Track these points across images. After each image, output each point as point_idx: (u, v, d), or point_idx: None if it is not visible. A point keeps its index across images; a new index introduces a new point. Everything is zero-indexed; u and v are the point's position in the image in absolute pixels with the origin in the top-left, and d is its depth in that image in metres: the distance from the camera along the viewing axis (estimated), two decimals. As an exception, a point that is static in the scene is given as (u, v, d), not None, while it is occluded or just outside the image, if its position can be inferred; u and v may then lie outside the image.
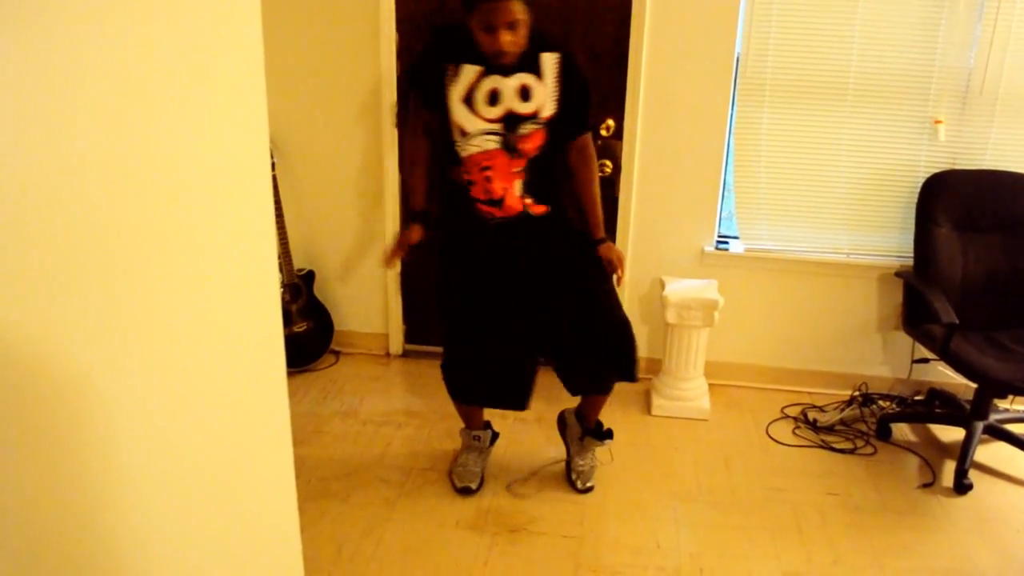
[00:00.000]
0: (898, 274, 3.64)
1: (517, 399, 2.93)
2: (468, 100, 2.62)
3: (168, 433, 1.16)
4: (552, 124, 2.70)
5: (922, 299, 3.34)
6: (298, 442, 3.28)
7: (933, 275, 3.43)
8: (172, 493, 1.19)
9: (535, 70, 2.64)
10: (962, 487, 3.15)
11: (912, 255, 3.55)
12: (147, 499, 1.13)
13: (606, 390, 2.99)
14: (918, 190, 3.53)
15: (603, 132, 3.71)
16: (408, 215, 2.91)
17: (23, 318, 0.88)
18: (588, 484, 3.10)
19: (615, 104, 3.68)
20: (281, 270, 3.84)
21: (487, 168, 2.68)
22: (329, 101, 3.84)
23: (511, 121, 2.65)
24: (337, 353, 4.20)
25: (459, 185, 2.73)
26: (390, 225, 3.96)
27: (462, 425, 3.20)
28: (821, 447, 3.46)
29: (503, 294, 2.84)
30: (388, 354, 4.22)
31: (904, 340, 3.80)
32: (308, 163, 3.96)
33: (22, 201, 0.86)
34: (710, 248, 3.82)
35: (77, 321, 0.95)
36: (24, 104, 0.85)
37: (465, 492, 3.05)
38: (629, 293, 3.93)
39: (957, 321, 3.08)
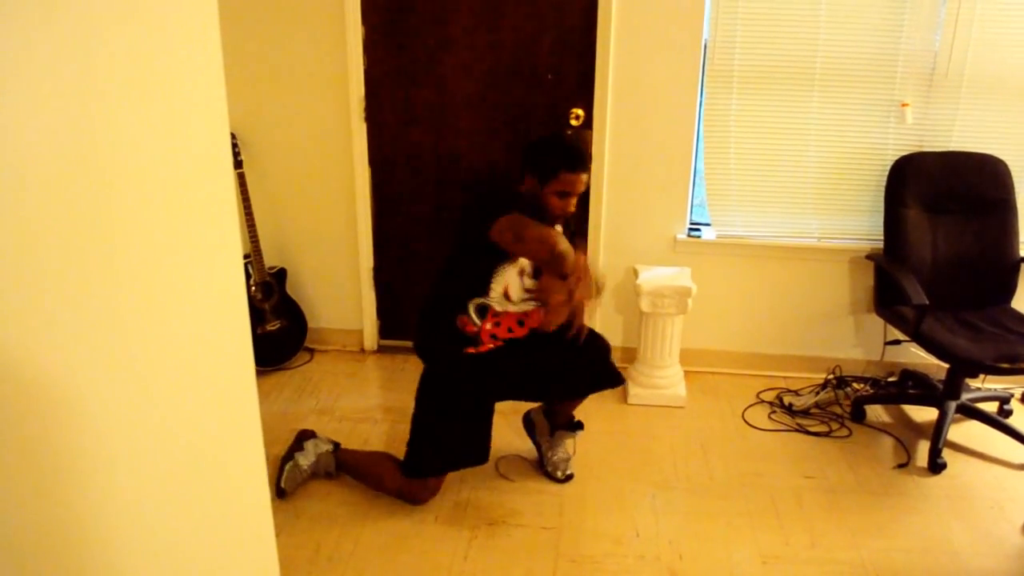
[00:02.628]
0: (869, 257, 3.66)
1: (484, 455, 2.91)
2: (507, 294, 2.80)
3: (137, 434, 1.14)
4: None
5: (893, 281, 3.37)
6: (273, 441, 3.26)
7: (903, 257, 3.46)
8: (143, 495, 1.17)
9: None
10: (936, 466, 3.18)
11: (882, 238, 3.57)
12: (118, 502, 1.11)
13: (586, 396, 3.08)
14: (887, 173, 3.55)
15: (573, 122, 3.70)
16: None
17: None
18: (568, 472, 3.11)
19: (584, 94, 3.67)
20: (252, 268, 3.81)
21: (523, 321, 2.85)
22: (296, 96, 3.80)
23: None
24: (311, 351, 4.18)
25: (459, 336, 2.79)
26: (361, 220, 3.94)
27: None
28: (797, 431, 3.48)
29: (497, 390, 2.89)
30: (363, 350, 4.20)
31: (876, 322, 3.83)
32: (277, 160, 3.92)
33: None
34: (682, 236, 3.82)
35: (44, 321, 0.93)
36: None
37: (282, 495, 2.98)
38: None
39: (928, 302, 3.10)
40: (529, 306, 2.83)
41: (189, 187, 1.21)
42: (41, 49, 0.90)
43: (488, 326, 2.78)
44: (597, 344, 2.96)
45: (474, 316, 2.76)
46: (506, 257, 2.72)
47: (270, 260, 4.01)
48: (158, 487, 1.21)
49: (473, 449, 2.88)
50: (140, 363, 1.13)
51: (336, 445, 3.09)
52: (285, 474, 2.98)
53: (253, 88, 3.79)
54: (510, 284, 2.78)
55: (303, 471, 3.01)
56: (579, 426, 3.14)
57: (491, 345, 2.82)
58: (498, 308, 2.79)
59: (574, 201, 2.73)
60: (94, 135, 1.00)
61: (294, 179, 3.96)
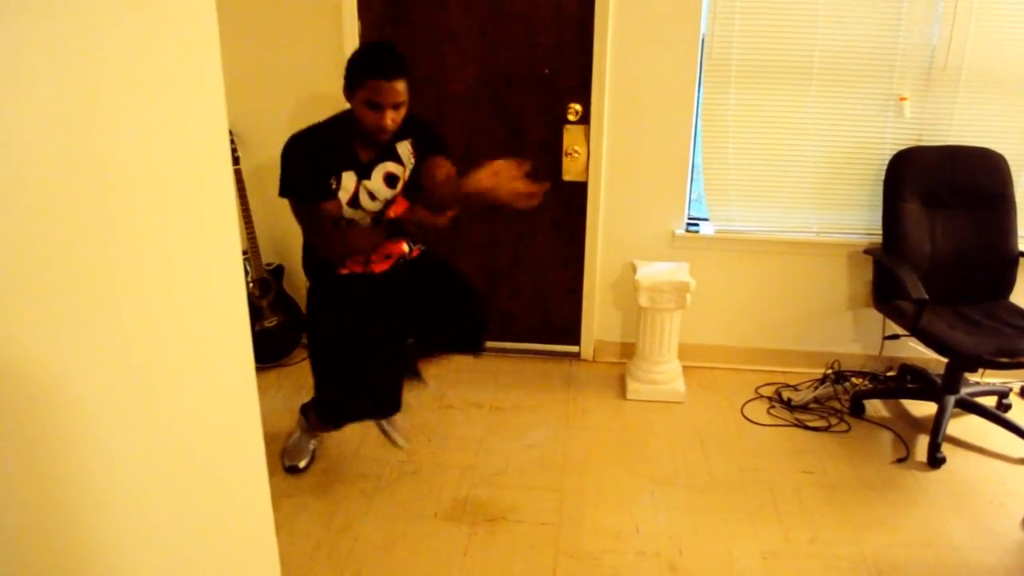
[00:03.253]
0: (867, 251, 3.66)
1: (395, 404, 2.90)
2: (354, 202, 2.76)
3: (137, 431, 1.14)
4: (406, 188, 2.87)
5: (892, 275, 3.37)
6: (272, 437, 3.25)
7: (902, 251, 3.45)
8: (144, 493, 1.16)
9: (395, 157, 2.81)
10: (936, 461, 3.18)
11: (881, 232, 3.57)
12: (118, 499, 1.11)
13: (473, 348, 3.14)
14: (885, 167, 3.54)
15: (571, 117, 3.69)
16: (392, 228, 2.85)
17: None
18: (401, 443, 3.20)
19: (581, 89, 3.66)
20: (250, 265, 3.79)
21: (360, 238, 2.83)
22: (293, 92, 3.78)
23: (386, 206, 2.85)
24: (309, 347, 4.17)
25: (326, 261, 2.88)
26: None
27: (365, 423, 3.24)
28: (796, 426, 3.48)
29: (367, 313, 2.87)
30: (361, 346, 4.19)
31: (875, 317, 3.83)
32: (274, 157, 3.89)
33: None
34: (680, 231, 3.82)
35: (42, 320, 0.93)
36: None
37: (293, 471, 3.10)
38: (601, 278, 3.93)
39: (927, 297, 3.10)
40: (366, 220, 2.82)
41: (188, 184, 1.20)
42: (41, 49, 0.89)
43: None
44: (470, 300, 3.01)
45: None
46: (329, 186, 2.70)
47: (267, 257, 4.00)
48: (158, 485, 1.20)
49: (376, 395, 2.84)
50: (140, 361, 1.13)
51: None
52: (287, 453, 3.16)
53: (250, 85, 3.78)
54: (349, 213, 2.78)
55: (294, 441, 3.18)
56: (419, 376, 3.24)
57: (357, 267, 2.86)
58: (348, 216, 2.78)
59: (389, 115, 2.58)
60: (94, 134, 0.99)
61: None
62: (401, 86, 2.56)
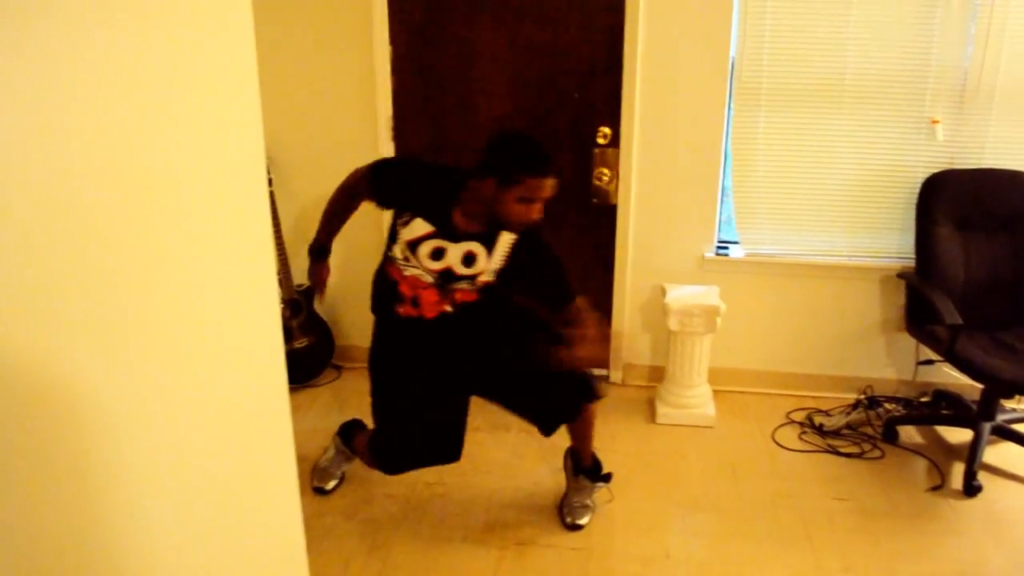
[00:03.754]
0: (900, 275, 3.62)
1: (453, 453, 2.80)
2: (412, 246, 2.69)
3: (172, 448, 1.14)
4: (486, 289, 2.75)
5: (925, 300, 3.33)
6: (302, 458, 3.25)
7: (935, 276, 3.42)
8: (176, 510, 1.17)
9: (487, 242, 2.68)
10: (972, 489, 3.13)
11: (913, 256, 3.53)
12: (150, 516, 1.11)
13: (574, 416, 2.83)
14: (917, 190, 3.51)
15: (600, 140, 3.70)
16: (315, 248, 3.11)
17: (25, 327, 0.87)
18: (577, 521, 2.92)
19: (611, 111, 3.67)
20: (281, 286, 3.82)
21: (419, 289, 2.74)
22: (325, 117, 3.82)
23: (447, 276, 2.70)
24: (339, 368, 4.18)
25: (389, 280, 2.78)
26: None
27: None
28: (828, 452, 3.44)
29: (436, 369, 2.83)
30: (390, 368, 4.20)
31: (908, 342, 3.78)
32: (305, 178, 3.94)
33: (24, 208, 0.84)
34: (710, 254, 3.80)
35: (79, 333, 0.94)
36: (25, 112, 0.83)
37: (320, 492, 3.12)
38: (630, 301, 3.92)
39: (961, 322, 3.06)
40: (427, 279, 2.70)
41: (226, 206, 1.21)
42: (85, 70, 0.91)
43: (405, 288, 2.74)
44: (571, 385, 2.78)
45: (397, 262, 2.73)
46: (402, 213, 2.70)
47: (298, 278, 4.02)
48: (189, 503, 1.21)
49: (433, 443, 2.77)
50: (175, 379, 1.14)
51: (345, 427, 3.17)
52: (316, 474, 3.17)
53: (282, 109, 3.82)
54: (404, 252, 2.71)
55: (326, 462, 3.18)
56: (606, 478, 2.99)
57: (410, 309, 2.76)
58: (399, 263, 2.72)
59: (539, 208, 2.54)
60: (136, 154, 1.00)
61: (323, 198, 3.96)
62: (552, 180, 2.51)
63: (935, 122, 3.54)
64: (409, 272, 2.71)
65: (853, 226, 3.73)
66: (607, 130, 3.69)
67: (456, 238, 2.66)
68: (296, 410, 3.73)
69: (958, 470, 3.28)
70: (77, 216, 0.92)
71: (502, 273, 2.71)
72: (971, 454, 3.18)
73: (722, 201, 3.81)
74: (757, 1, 3.47)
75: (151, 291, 1.06)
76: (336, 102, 3.80)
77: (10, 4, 0.81)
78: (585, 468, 2.99)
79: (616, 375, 4.04)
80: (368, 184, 2.81)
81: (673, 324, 3.54)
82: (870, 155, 3.62)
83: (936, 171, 3.51)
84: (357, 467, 3.28)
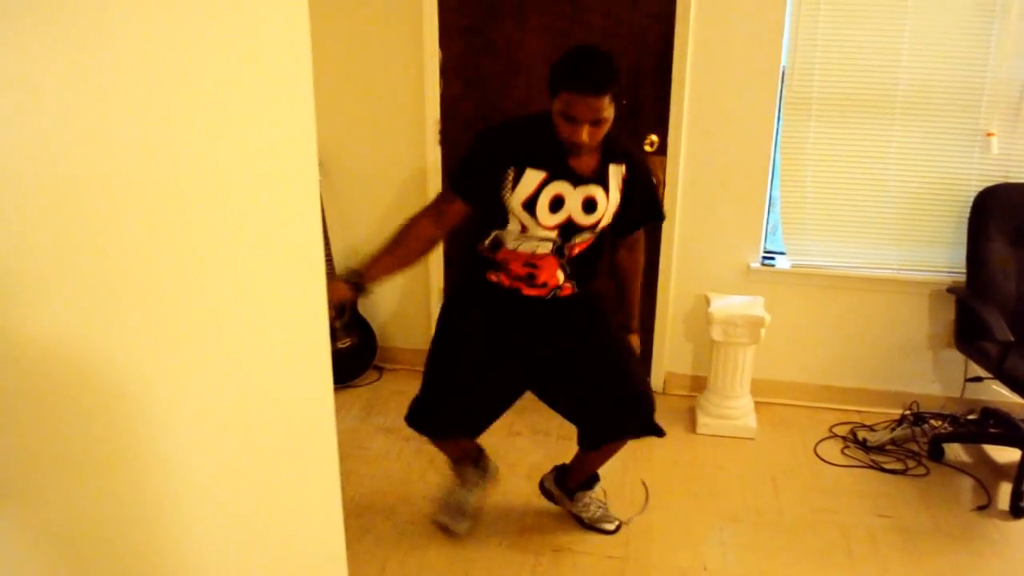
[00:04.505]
0: (950, 290, 3.56)
1: (476, 432, 2.78)
2: (529, 205, 2.43)
3: (215, 448, 1.16)
4: (603, 231, 2.60)
5: (975, 316, 3.27)
6: (341, 458, 3.28)
7: (986, 291, 3.35)
8: (219, 506, 1.19)
9: (604, 183, 2.48)
10: (1019, 510, 3.06)
11: (964, 271, 3.47)
12: (194, 512, 1.13)
13: (623, 438, 2.74)
14: (970, 204, 3.45)
15: (647, 147, 3.69)
16: (350, 272, 2.53)
17: (84, 328, 0.89)
18: (614, 524, 2.93)
19: (659, 119, 3.65)
20: (325, 287, 3.86)
21: (532, 265, 2.55)
22: (372, 120, 3.86)
23: (568, 229, 2.49)
24: (380, 369, 4.21)
25: (485, 259, 2.60)
26: (433, 242, 3.97)
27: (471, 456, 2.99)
28: (871, 467, 3.39)
29: (505, 354, 2.66)
30: (431, 370, 4.22)
31: (956, 358, 3.72)
32: (352, 180, 3.98)
33: (82, 207, 0.87)
34: (756, 264, 3.77)
35: (127, 333, 0.96)
36: (87, 116, 0.86)
37: (451, 533, 2.92)
38: (673, 310, 3.90)
39: (1012, 338, 3.00)
40: (544, 249, 2.51)
41: (278, 208, 1.23)
42: (149, 75, 0.93)
43: (500, 259, 2.57)
44: (641, 397, 2.64)
45: (489, 248, 2.56)
46: (503, 180, 2.43)
47: (343, 279, 4.07)
48: (233, 500, 1.23)
49: (466, 420, 2.71)
50: (224, 378, 1.16)
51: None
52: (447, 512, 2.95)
53: (331, 112, 3.86)
54: (522, 217, 2.47)
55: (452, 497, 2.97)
56: (595, 478, 2.93)
57: (510, 281, 2.58)
58: (509, 245, 2.52)
59: (586, 130, 2.28)
60: (196, 157, 1.03)
61: (368, 200, 4.01)
62: (600, 103, 2.23)
63: (990, 135, 3.47)
64: (522, 248, 2.52)
65: (902, 239, 3.68)
66: (654, 137, 3.68)
67: (574, 180, 2.44)
68: (336, 410, 3.76)
69: (1005, 490, 3.22)
70: (135, 216, 0.94)
71: (618, 212, 2.55)
72: (1019, 474, 3.11)
73: (769, 211, 3.77)
74: (809, 9, 3.43)
75: (204, 290, 1.08)
76: (384, 106, 3.83)
77: (77, 16, 0.83)
78: (580, 483, 2.93)
79: (657, 383, 4.02)
80: (450, 184, 2.50)
81: (716, 334, 3.52)
82: (922, 167, 3.57)
83: (990, 184, 3.45)
84: (394, 469, 3.30)
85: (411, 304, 4.15)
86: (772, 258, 3.83)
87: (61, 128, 0.84)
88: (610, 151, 2.47)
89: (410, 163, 3.90)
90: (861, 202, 3.65)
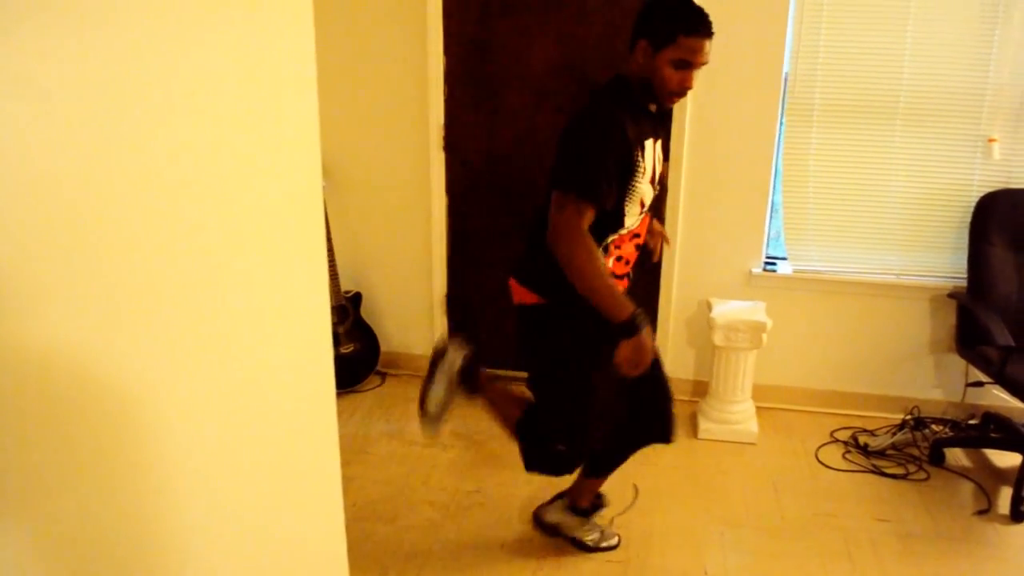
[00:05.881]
0: (951, 295, 3.57)
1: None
2: (653, 177, 2.36)
3: (218, 452, 1.17)
4: None
5: (976, 321, 3.28)
6: (344, 463, 3.30)
7: (988, 296, 3.36)
8: (220, 511, 1.20)
9: (664, 122, 2.48)
10: (1019, 515, 3.07)
11: (965, 276, 3.48)
12: (194, 516, 1.14)
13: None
14: (971, 210, 3.46)
15: (649, 153, 3.70)
16: (627, 325, 2.22)
17: (85, 336, 0.90)
18: (612, 540, 2.88)
19: (661, 125, 3.66)
20: (328, 292, 3.87)
21: (637, 236, 2.46)
22: (376, 125, 3.88)
23: (660, 182, 2.46)
24: (383, 374, 4.23)
25: None
26: (436, 248, 3.98)
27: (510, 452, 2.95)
28: (872, 472, 3.39)
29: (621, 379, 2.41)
30: (434, 375, 4.23)
31: (957, 363, 3.72)
32: (356, 186, 4.00)
33: (86, 221, 0.88)
34: (758, 270, 3.78)
35: (131, 338, 0.97)
36: (86, 121, 0.87)
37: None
38: (675, 315, 3.91)
39: (1013, 343, 3.01)
40: (645, 213, 2.42)
41: (282, 214, 1.25)
42: (154, 79, 0.95)
43: (611, 262, 2.39)
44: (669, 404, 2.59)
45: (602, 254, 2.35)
46: (636, 165, 2.28)
47: (346, 284, 4.08)
48: (235, 503, 1.24)
49: (613, 434, 2.54)
50: (227, 382, 1.17)
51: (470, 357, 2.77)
52: (428, 397, 2.74)
53: (334, 117, 3.88)
54: (647, 195, 2.36)
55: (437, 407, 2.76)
56: (596, 507, 2.87)
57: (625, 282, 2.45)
58: (625, 229, 2.37)
59: (694, 75, 2.24)
60: (198, 161, 1.04)
61: (372, 206, 4.03)
62: (710, 43, 2.21)
63: (992, 140, 3.48)
64: (633, 223, 2.39)
65: (904, 244, 3.69)
66: (656, 143, 3.69)
67: (657, 133, 2.39)
68: (339, 415, 3.77)
69: (1005, 495, 3.22)
70: (136, 221, 0.96)
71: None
72: (1019, 479, 3.11)
73: (771, 217, 3.79)
74: (812, 16, 3.45)
75: (206, 295, 1.09)
76: (388, 112, 3.85)
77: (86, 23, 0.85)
78: (592, 505, 2.88)
79: (659, 388, 4.02)
80: (587, 195, 2.22)
81: (718, 339, 3.53)
82: (924, 173, 3.58)
83: (991, 190, 3.46)
84: (396, 474, 3.31)
85: (414, 310, 4.17)
86: (774, 263, 3.84)
87: (59, 131, 0.86)
88: None
89: (414, 169, 3.92)
90: (863, 208, 3.66)
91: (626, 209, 2.32)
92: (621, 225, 2.35)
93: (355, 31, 3.77)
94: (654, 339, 2.32)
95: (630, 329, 2.22)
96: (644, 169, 2.30)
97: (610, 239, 2.36)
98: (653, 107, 2.36)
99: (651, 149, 2.33)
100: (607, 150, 2.23)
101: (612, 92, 2.32)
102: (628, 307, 2.23)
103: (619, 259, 2.43)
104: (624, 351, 2.23)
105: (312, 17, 1.27)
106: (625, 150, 2.24)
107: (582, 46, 3.63)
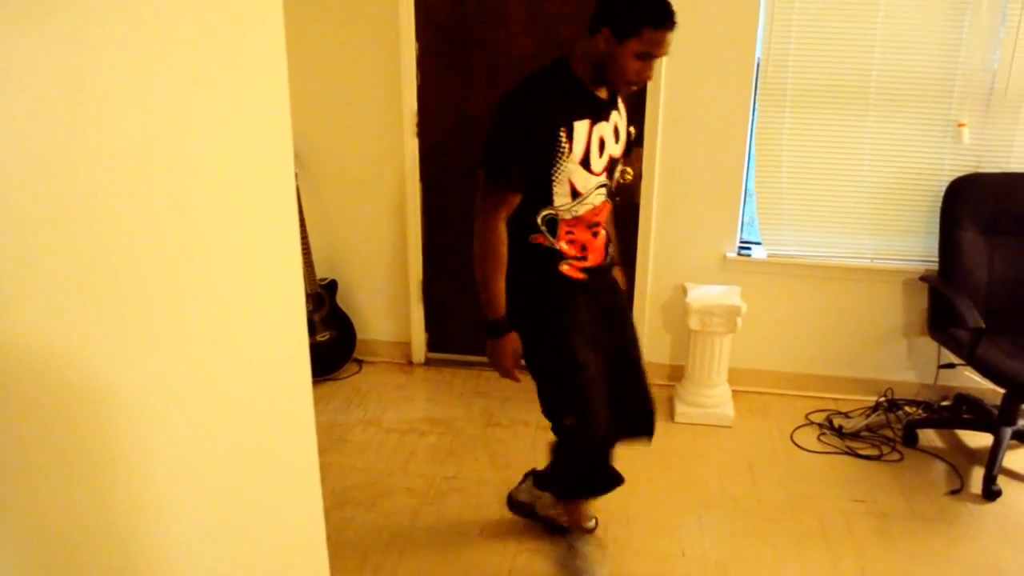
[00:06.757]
0: (923, 278, 3.61)
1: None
2: (585, 161, 2.33)
3: (195, 442, 1.17)
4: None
5: (948, 303, 3.31)
6: (322, 451, 3.29)
7: (959, 279, 3.40)
8: (198, 501, 1.20)
9: (616, 104, 2.45)
10: (991, 493, 3.12)
11: (937, 259, 3.52)
12: (173, 507, 1.14)
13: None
14: (942, 194, 3.50)
15: (623, 139, 3.71)
16: (493, 325, 2.38)
17: (52, 329, 0.89)
18: (589, 524, 2.88)
19: (635, 111, 3.67)
20: (304, 279, 3.86)
21: (595, 225, 2.46)
22: (349, 111, 3.85)
23: (612, 166, 2.44)
24: (360, 362, 4.22)
25: (543, 249, 2.42)
26: (411, 234, 3.97)
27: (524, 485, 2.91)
28: (847, 454, 3.43)
29: (601, 356, 2.50)
30: (410, 362, 4.23)
31: (930, 345, 3.77)
32: (330, 173, 3.98)
33: (54, 214, 0.87)
34: (732, 254, 3.80)
35: (104, 331, 0.96)
36: (56, 120, 0.86)
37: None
38: (651, 300, 3.92)
39: (984, 325, 3.05)
40: (600, 198, 2.40)
41: (253, 201, 1.24)
42: (120, 70, 0.94)
43: (563, 245, 2.40)
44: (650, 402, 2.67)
45: (546, 233, 2.38)
46: (558, 142, 2.27)
47: (321, 272, 4.07)
48: (212, 495, 1.23)
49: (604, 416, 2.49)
50: (199, 373, 1.16)
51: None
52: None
53: (307, 103, 3.85)
54: (579, 181, 2.34)
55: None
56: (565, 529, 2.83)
57: (579, 273, 2.45)
58: (568, 216, 2.38)
59: (653, 66, 2.27)
60: (166, 151, 1.03)
61: (346, 193, 4.01)
62: (672, 36, 2.24)
63: (962, 125, 3.52)
64: (582, 211, 2.40)
65: (876, 228, 3.72)
66: (631, 129, 3.69)
67: (605, 115, 2.38)
68: (316, 403, 3.76)
69: (977, 474, 3.27)
70: (109, 214, 0.95)
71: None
72: (991, 458, 3.16)
73: (745, 202, 3.80)
74: (784, 1, 3.46)
75: (175, 286, 1.09)
76: (361, 97, 3.83)
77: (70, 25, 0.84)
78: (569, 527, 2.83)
79: (636, 373, 4.04)
80: (498, 176, 2.32)
81: (693, 323, 3.55)
82: (895, 157, 3.61)
83: (962, 174, 3.49)
84: (375, 460, 3.31)
85: (390, 297, 4.16)
86: (748, 248, 3.86)
87: (24, 125, 0.85)
88: None
89: (388, 155, 3.90)
90: (836, 192, 3.69)
91: (554, 189, 2.34)
92: (550, 203, 2.36)
93: (326, 17, 3.74)
94: (513, 363, 2.43)
95: (491, 331, 2.40)
96: (569, 150, 2.29)
97: (544, 213, 2.38)
98: (604, 93, 2.37)
99: (585, 131, 2.31)
100: (515, 134, 2.28)
101: (543, 75, 2.33)
102: (499, 311, 2.37)
103: (572, 242, 2.43)
104: (488, 346, 2.42)
105: (282, 3, 1.26)
106: (543, 132, 2.26)
107: (556, 29, 3.62)
